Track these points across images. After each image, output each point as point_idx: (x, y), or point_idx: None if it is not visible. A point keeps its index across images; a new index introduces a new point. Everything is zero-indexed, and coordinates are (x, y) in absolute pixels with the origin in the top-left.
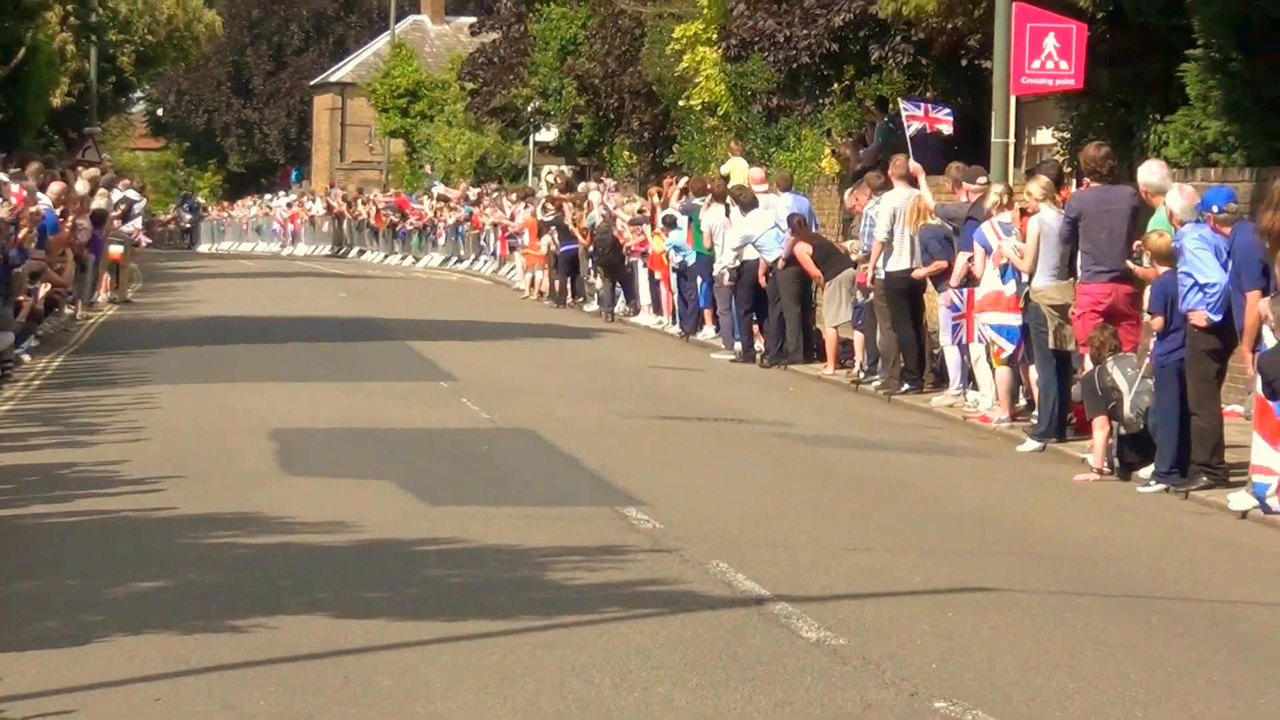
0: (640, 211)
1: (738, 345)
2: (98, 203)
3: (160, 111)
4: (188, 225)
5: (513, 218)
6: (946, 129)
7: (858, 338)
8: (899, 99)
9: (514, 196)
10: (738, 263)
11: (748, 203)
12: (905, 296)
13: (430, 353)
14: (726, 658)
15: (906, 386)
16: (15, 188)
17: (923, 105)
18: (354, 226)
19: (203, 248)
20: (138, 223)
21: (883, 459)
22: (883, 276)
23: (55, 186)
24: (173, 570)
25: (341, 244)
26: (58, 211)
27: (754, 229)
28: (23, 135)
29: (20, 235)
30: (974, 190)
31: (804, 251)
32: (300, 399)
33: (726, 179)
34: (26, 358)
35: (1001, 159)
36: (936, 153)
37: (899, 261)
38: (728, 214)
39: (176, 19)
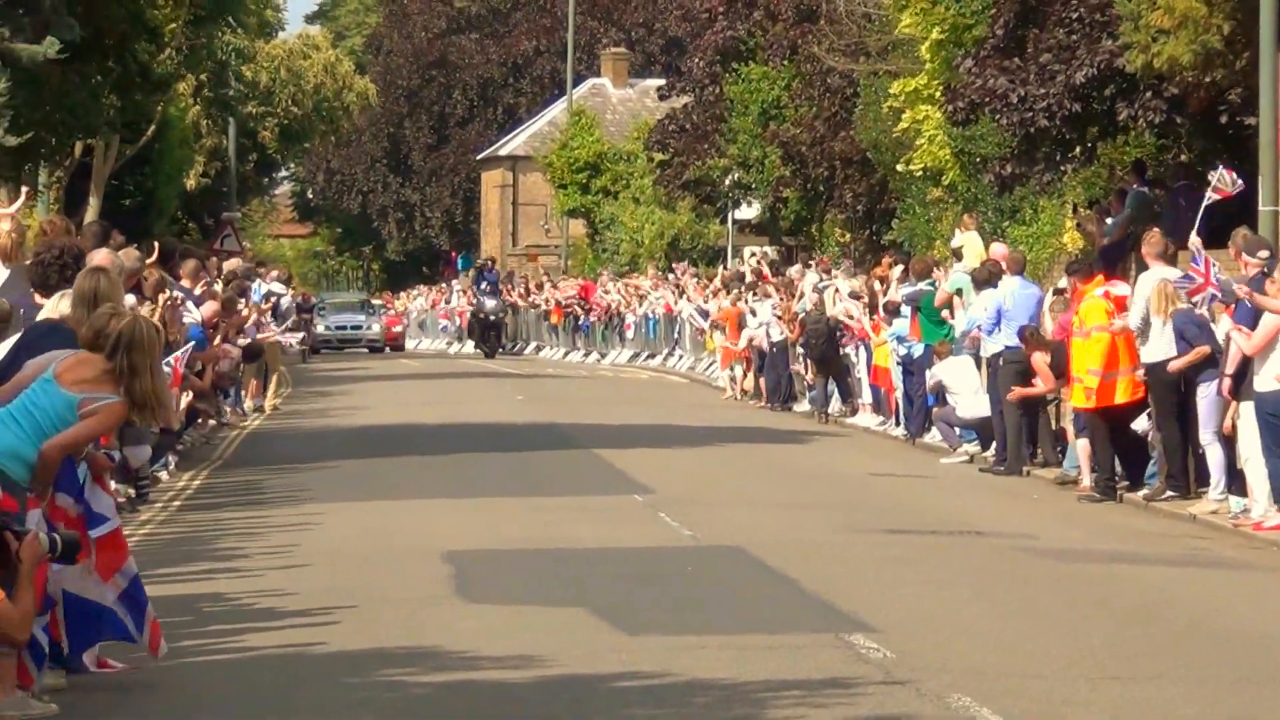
0: (853, 295)
1: (968, 447)
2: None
3: (309, 193)
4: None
5: (707, 307)
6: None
7: (1082, 445)
8: (1220, 167)
9: (707, 282)
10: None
11: (984, 280)
12: (1172, 391)
13: (621, 461)
14: None
15: (1169, 493)
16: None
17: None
18: (532, 320)
19: None
20: (288, 322)
21: (1141, 574)
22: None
23: (210, 307)
24: (337, 714)
25: (516, 339)
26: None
27: (978, 314)
28: (154, 222)
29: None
30: (1253, 264)
31: (1041, 361)
32: (476, 517)
33: (959, 255)
34: (165, 475)
35: (1271, 230)
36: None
37: (1161, 351)
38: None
39: (325, 88)
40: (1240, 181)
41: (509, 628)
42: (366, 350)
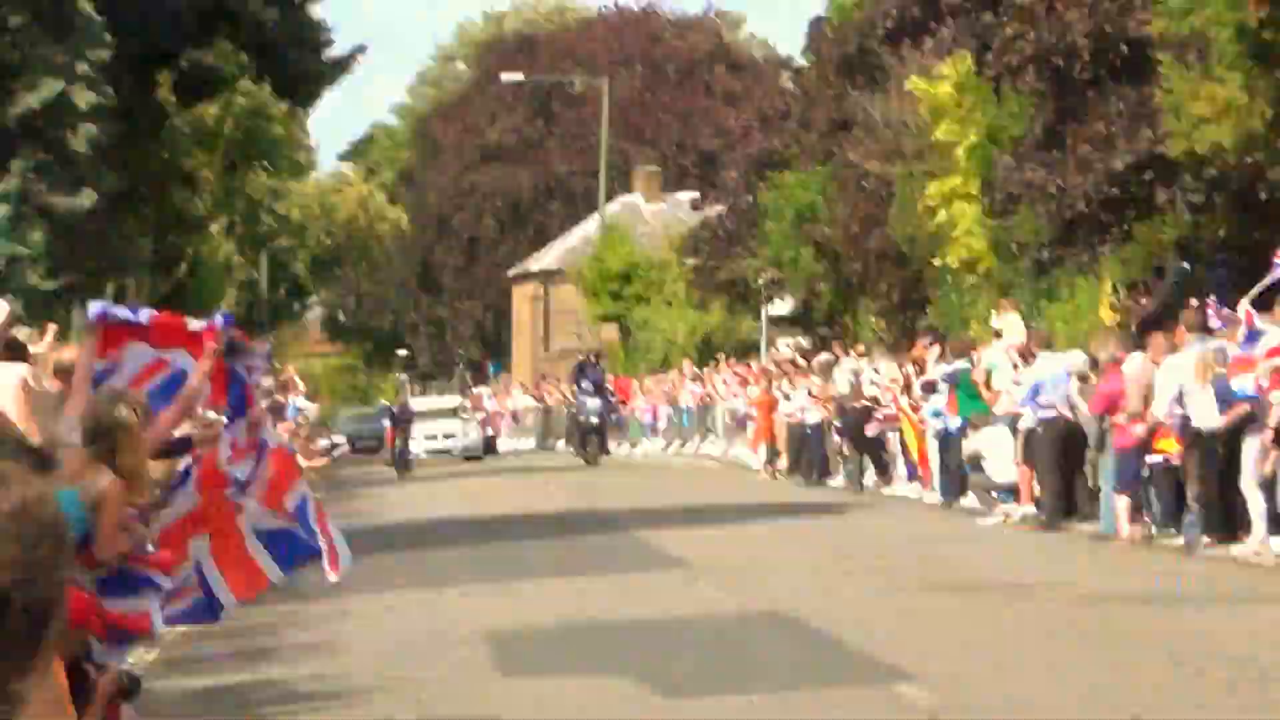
0: (893, 381)
1: (1005, 506)
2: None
3: (339, 315)
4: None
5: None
6: None
7: (1121, 503)
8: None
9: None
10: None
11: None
12: (1215, 452)
13: (658, 540)
14: None
15: (1206, 540)
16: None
17: None
18: (561, 417)
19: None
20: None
21: (1183, 615)
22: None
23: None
24: None
25: (547, 437)
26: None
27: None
28: None
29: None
30: None
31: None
32: (515, 599)
33: (999, 335)
34: None
35: None
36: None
37: (1204, 417)
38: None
39: (355, 222)
40: None
41: (552, 699)
42: (463, 460)
